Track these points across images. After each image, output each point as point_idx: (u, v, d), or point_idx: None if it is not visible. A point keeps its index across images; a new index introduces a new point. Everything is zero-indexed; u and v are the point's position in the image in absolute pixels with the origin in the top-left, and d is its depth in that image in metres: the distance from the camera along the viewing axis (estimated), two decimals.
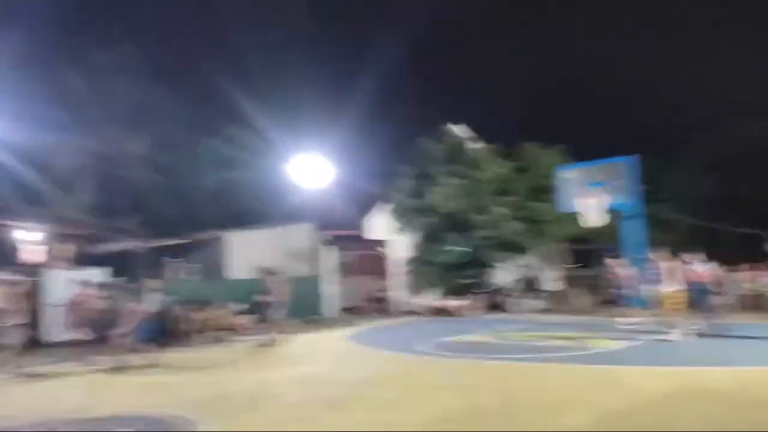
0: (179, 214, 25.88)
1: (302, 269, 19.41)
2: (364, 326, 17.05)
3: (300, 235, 19.73)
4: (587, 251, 24.49)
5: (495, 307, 21.69)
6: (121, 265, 15.60)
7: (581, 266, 24.76)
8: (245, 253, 18.18)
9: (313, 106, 25.22)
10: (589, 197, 16.10)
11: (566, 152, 23.34)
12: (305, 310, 18.38)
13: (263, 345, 12.80)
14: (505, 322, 16.77)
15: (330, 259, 19.52)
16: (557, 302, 20.77)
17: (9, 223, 15.14)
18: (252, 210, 22.04)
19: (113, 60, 27.59)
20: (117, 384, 8.47)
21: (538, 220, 22.43)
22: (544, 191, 22.84)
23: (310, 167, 20.27)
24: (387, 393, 7.02)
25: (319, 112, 24.89)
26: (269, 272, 13.77)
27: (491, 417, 5.73)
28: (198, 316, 15.29)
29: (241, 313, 16.42)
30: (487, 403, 6.33)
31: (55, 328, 13.04)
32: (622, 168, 15.95)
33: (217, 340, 14.64)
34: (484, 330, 14.41)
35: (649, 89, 46.02)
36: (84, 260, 15.34)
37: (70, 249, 15.22)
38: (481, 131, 25.68)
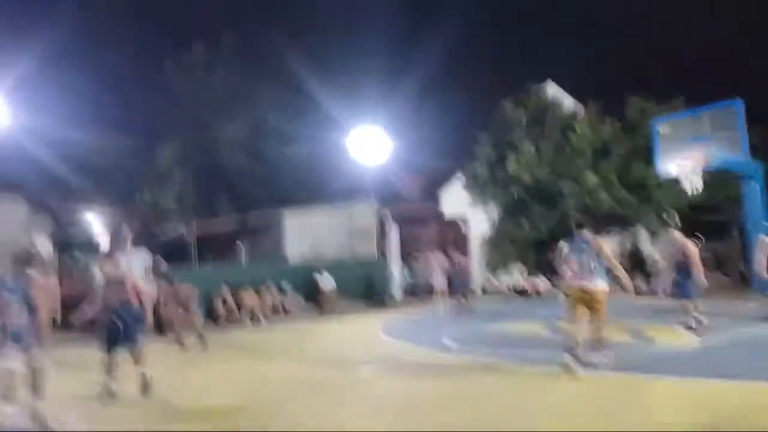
0: (268, 195, 26.14)
1: (367, 249, 18.44)
2: (420, 309, 15.70)
3: (365, 214, 18.71)
4: (711, 222, 20.46)
5: None
6: (177, 250, 15.86)
7: (702, 240, 20.72)
8: (305, 233, 17.62)
9: (380, 75, 23.73)
10: (690, 155, 13.00)
11: (686, 105, 19.52)
12: (372, 291, 17.49)
13: None
14: None
15: (397, 237, 18.23)
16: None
17: (76, 207, 16.04)
18: (320, 187, 21.40)
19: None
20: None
21: (644, 186, 19.10)
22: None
23: (378, 141, 19.07)
24: (287, 407, 5.73)
25: (387, 80, 23.37)
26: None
27: None
28: (248, 298, 15.00)
29: (293, 295, 15.94)
30: None
31: None
32: (729, 115, 12.53)
33: (257, 322, 14.27)
34: (546, 316, 12.30)
35: None
36: (144, 245, 15.75)
37: (129, 234, 15.65)
38: (577, 89, 22.51)
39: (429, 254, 17.09)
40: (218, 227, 17.57)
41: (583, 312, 6.63)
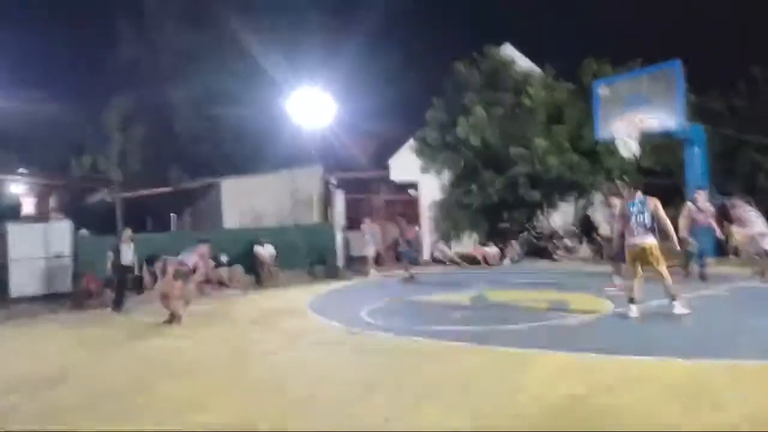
0: (217, 160, 25.22)
1: (311, 217, 17.91)
2: (361, 280, 15.33)
3: (309, 180, 18.08)
4: (663, 187, 20.22)
5: (538, 254, 18.72)
6: (104, 219, 15.11)
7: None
8: (245, 200, 16.96)
9: (326, 35, 22.68)
10: (627, 118, 12.57)
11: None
12: (316, 260, 17.02)
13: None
14: (526, 274, 14.14)
15: (342, 205, 17.69)
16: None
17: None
18: (266, 152, 20.58)
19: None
20: None
21: (596, 151, 18.69)
22: None
23: (322, 104, 18.32)
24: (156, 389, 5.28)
25: (334, 42, 22.33)
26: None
27: None
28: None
29: (229, 265, 15.36)
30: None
31: (20, 283, 12.74)
32: (668, 76, 12.02)
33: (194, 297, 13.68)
34: (482, 285, 12.01)
35: None
36: (71, 212, 14.98)
37: (55, 201, 14.92)
38: (536, 53, 21.78)
39: (370, 222, 16.62)
40: (152, 195, 16.77)
41: (639, 268, 7.37)
